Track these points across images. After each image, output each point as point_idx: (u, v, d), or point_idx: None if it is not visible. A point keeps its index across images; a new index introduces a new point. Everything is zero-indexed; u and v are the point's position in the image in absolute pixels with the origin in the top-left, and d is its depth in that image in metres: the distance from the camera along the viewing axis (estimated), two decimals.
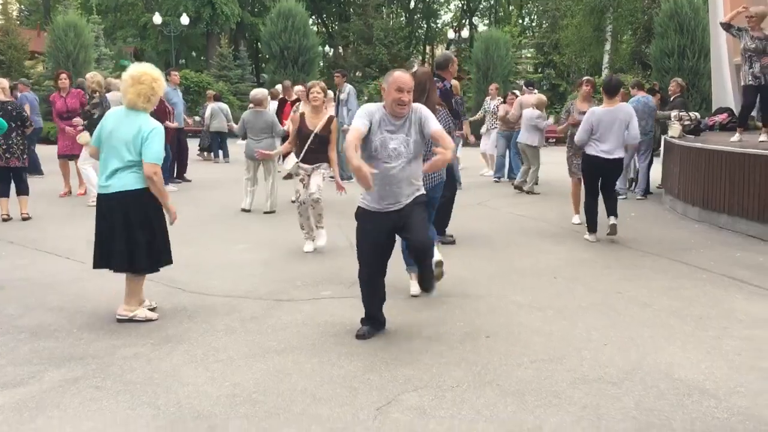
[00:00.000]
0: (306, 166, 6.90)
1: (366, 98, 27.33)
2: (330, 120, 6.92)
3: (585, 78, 9.07)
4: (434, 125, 4.21)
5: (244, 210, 9.22)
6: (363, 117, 4.19)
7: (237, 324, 4.67)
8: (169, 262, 4.86)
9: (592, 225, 7.46)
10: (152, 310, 4.86)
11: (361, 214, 4.37)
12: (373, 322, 4.51)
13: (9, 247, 6.97)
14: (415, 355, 4.13)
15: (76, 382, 3.70)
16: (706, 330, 4.60)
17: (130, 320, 4.67)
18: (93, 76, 9.80)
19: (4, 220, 8.19)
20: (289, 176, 9.11)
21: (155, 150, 4.51)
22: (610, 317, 4.87)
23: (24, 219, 8.31)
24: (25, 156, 8.50)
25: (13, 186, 8.50)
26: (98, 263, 4.71)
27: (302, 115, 6.97)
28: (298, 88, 11.90)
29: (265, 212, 9.07)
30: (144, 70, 4.60)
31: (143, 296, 4.86)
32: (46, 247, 6.88)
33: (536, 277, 5.99)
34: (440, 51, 53.30)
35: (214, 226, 7.96)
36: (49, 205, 9.52)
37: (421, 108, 4.27)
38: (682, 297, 5.37)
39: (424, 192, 4.43)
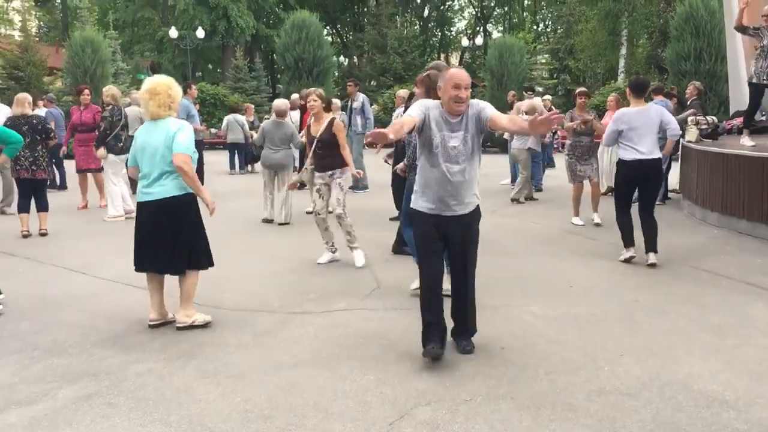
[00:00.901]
0: (319, 173, 6.79)
1: (378, 108, 27.36)
2: (330, 123, 6.73)
3: (578, 90, 9.18)
4: (491, 110, 4.10)
5: (265, 220, 9.21)
6: (419, 108, 4.11)
7: (249, 338, 4.65)
8: (212, 264, 5.00)
9: (629, 240, 6.77)
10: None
11: (416, 215, 4.26)
12: (438, 333, 4.17)
13: (25, 262, 7.02)
14: (429, 368, 4.08)
15: (89, 399, 3.70)
16: (726, 339, 4.51)
17: (191, 327, 4.80)
18: (108, 89, 9.93)
19: (24, 236, 8.21)
20: (302, 185, 9.12)
21: (183, 141, 4.67)
22: (627, 326, 4.79)
23: (42, 235, 8.34)
24: (49, 169, 8.62)
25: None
26: (141, 266, 4.89)
27: (308, 126, 6.96)
28: (294, 96, 11.79)
29: (280, 224, 9.06)
30: (157, 81, 4.81)
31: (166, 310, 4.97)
32: (62, 263, 6.92)
33: (551, 285, 5.92)
34: (455, 58, 53.37)
35: (228, 238, 7.96)
36: (68, 219, 9.59)
37: (477, 102, 4.16)
38: (701, 305, 5.28)
39: (478, 204, 4.29)
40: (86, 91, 10.79)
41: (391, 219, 9.13)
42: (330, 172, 6.74)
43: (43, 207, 8.51)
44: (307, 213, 9.78)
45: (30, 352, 4.43)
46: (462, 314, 4.36)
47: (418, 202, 4.22)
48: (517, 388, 3.77)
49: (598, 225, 8.68)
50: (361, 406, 3.56)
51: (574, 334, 4.64)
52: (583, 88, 9.52)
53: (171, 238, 4.73)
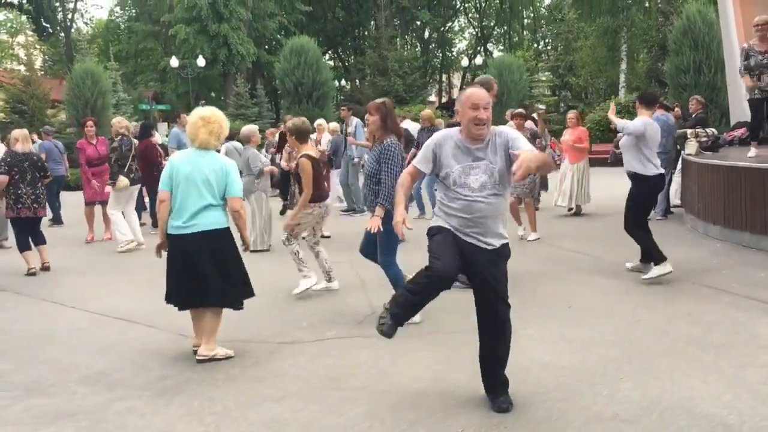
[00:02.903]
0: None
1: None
2: (297, 163, 6.56)
3: (514, 112, 9.67)
4: (523, 145, 3.61)
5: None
6: (426, 154, 3.80)
7: (237, 371, 4.52)
8: (252, 294, 4.94)
9: (661, 253, 6.42)
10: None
11: (435, 227, 3.78)
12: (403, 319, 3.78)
13: (14, 298, 6.92)
14: (419, 398, 3.94)
15: None
16: (729, 359, 4.34)
17: (211, 360, 4.69)
18: (120, 121, 9.94)
19: (32, 274, 7.97)
20: (283, 211, 8.99)
21: (239, 185, 4.77)
22: (624, 348, 4.63)
23: (46, 269, 8.17)
24: (45, 205, 8.58)
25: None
26: (176, 300, 4.77)
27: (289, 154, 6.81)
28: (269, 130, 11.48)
29: (252, 251, 8.87)
30: (211, 111, 4.83)
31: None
32: (51, 297, 6.81)
33: (549, 306, 5.77)
34: (457, 79, 53.51)
35: None
36: (64, 253, 9.50)
37: (505, 130, 3.76)
38: (703, 323, 5.11)
39: (506, 242, 3.80)
40: (90, 123, 10.74)
41: None
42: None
43: (41, 241, 8.36)
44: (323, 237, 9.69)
45: (10, 391, 4.30)
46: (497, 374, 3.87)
47: (438, 219, 3.81)
48: (511, 416, 3.62)
49: (522, 239, 8.83)
50: None
51: (570, 357, 4.49)
52: (519, 110, 9.68)
53: (214, 270, 4.64)
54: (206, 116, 4.71)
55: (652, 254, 6.47)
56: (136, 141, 10.03)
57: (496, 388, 3.80)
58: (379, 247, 5.40)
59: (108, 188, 9.44)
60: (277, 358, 4.74)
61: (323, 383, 4.23)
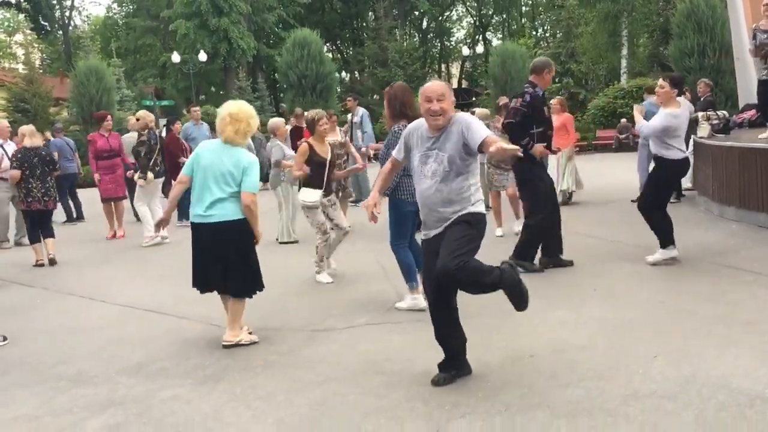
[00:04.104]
0: (330, 197, 6.78)
1: (383, 121, 27.35)
2: (332, 147, 6.73)
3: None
4: (480, 133, 3.62)
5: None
6: (401, 142, 4.08)
7: (275, 358, 4.60)
8: (262, 288, 5.03)
9: (671, 238, 6.50)
10: (250, 333, 5.00)
11: (423, 244, 4.04)
12: (452, 364, 4.02)
13: (44, 293, 7.01)
14: (459, 380, 4.01)
15: (117, 428, 3.66)
16: (758, 335, 4.42)
17: (236, 345, 4.81)
18: (147, 114, 10.10)
19: (40, 265, 8.27)
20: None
21: (254, 180, 4.76)
22: (655, 329, 4.70)
23: (51, 260, 8.39)
24: (56, 198, 8.78)
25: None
26: (200, 286, 4.96)
27: (310, 145, 6.70)
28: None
29: (280, 242, 9.00)
30: (240, 108, 4.85)
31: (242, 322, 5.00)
32: (78, 292, 6.90)
33: (575, 289, 5.85)
34: (455, 68, 53.42)
35: None
36: (83, 248, 9.59)
37: (463, 117, 3.81)
38: (728, 302, 5.19)
39: (474, 212, 3.84)
40: (110, 117, 10.83)
41: None
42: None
43: (50, 234, 8.63)
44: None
45: (54, 383, 4.38)
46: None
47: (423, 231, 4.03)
48: (551, 396, 3.70)
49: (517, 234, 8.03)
50: (395, 423, 3.49)
51: (602, 339, 4.56)
52: (505, 101, 9.03)
53: (229, 260, 4.76)
54: (234, 113, 4.76)
55: (661, 236, 6.50)
56: (125, 137, 10.26)
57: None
58: (390, 232, 5.55)
59: (140, 182, 9.49)
60: (312, 345, 4.82)
61: (362, 368, 4.31)
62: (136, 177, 9.51)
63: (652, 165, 6.87)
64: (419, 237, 4.18)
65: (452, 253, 3.62)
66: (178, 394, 4.09)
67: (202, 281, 4.91)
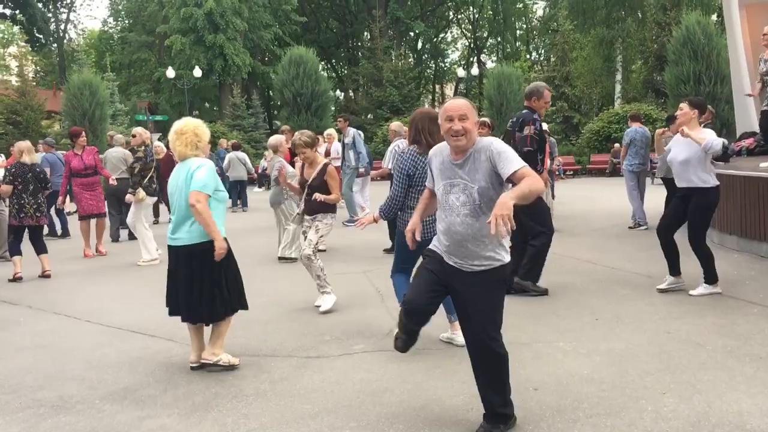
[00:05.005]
0: (306, 217, 6.49)
1: (378, 140, 27.33)
2: (323, 170, 6.38)
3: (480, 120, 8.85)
4: (513, 164, 3.23)
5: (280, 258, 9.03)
6: (428, 171, 3.68)
7: (267, 386, 4.40)
8: (244, 307, 4.87)
9: (715, 273, 6.33)
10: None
11: (428, 249, 3.64)
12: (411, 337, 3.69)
13: (27, 311, 6.77)
14: (460, 413, 3.84)
15: None
16: None
17: (214, 364, 4.68)
18: (145, 131, 9.99)
19: (17, 279, 8.18)
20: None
21: (199, 179, 4.54)
22: (662, 361, 4.55)
23: (47, 276, 8.34)
24: (46, 214, 8.82)
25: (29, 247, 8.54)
26: (172, 311, 4.80)
27: (302, 169, 6.64)
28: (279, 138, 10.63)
29: (279, 258, 8.86)
30: (184, 122, 4.82)
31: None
32: (64, 311, 6.68)
33: (577, 318, 5.69)
34: (449, 89, 53.64)
35: None
36: (69, 266, 9.37)
37: (491, 142, 3.36)
38: (737, 334, 5.04)
39: (506, 262, 3.48)
40: (83, 134, 10.62)
41: (385, 251, 8.99)
42: (314, 216, 6.42)
43: (43, 249, 8.58)
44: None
45: (36, 409, 4.17)
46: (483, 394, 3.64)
47: (435, 244, 3.66)
48: None
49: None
50: None
51: (608, 371, 4.40)
52: (483, 118, 8.58)
53: (195, 286, 4.58)
54: (178, 129, 4.74)
55: (708, 270, 6.30)
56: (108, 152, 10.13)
57: (487, 416, 3.58)
58: (393, 260, 5.31)
59: (129, 197, 9.30)
60: (307, 373, 4.63)
61: (358, 399, 4.12)
62: (133, 196, 9.32)
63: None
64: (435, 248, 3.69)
65: (491, 327, 3.42)
66: (165, 424, 3.89)
67: (173, 304, 4.77)
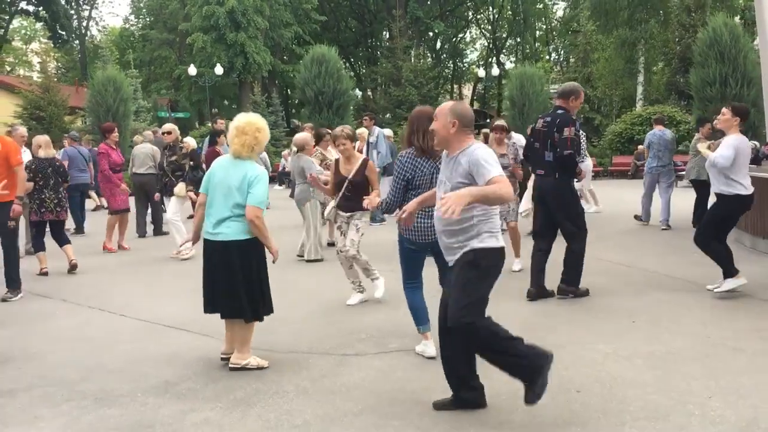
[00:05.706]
0: (342, 214, 6.49)
1: (396, 140, 27.27)
2: (364, 165, 6.39)
3: (494, 124, 8.24)
4: (490, 173, 3.43)
5: (299, 256, 9.00)
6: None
7: (307, 383, 4.41)
8: (271, 311, 4.84)
9: (733, 266, 6.33)
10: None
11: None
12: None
13: (62, 305, 6.83)
14: (505, 413, 3.83)
15: None
16: None
17: (243, 368, 4.64)
18: (176, 129, 10.13)
19: (44, 274, 8.16)
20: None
21: (259, 194, 4.57)
22: (704, 365, 4.51)
23: (74, 266, 8.34)
24: (67, 209, 8.82)
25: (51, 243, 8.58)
26: (207, 308, 4.77)
27: (336, 161, 6.61)
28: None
29: (307, 260, 8.80)
30: (248, 120, 4.68)
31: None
32: (98, 304, 6.72)
33: (613, 320, 5.65)
34: (468, 90, 53.48)
35: None
36: (96, 261, 9.43)
37: (473, 152, 3.56)
38: None
39: (478, 248, 3.62)
40: (116, 129, 10.76)
41: None
42: (350, 213, 6.45)
43: (66, 241, 8.59)
44: (328, 245, 9.59)
45: (79, 401, 4.20)
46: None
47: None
48: None
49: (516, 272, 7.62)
50: None
51: (651, 374, 4.36)
52: (499, 122, 8.29)
53: (237, 281, 4.57)
54: (240, 127, 4.62)
55: (723, 266, 6.32)
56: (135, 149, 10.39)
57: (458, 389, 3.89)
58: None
59: (191, 195, 9.25)
60: (346, 371, 4.63)
61: (400, 397, 4.12)
62: (178, 190, 9.32)
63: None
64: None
65: (458, 303, 3.59)
66: (209, 418, 3.90)
67: (210, 301, 4.72)
